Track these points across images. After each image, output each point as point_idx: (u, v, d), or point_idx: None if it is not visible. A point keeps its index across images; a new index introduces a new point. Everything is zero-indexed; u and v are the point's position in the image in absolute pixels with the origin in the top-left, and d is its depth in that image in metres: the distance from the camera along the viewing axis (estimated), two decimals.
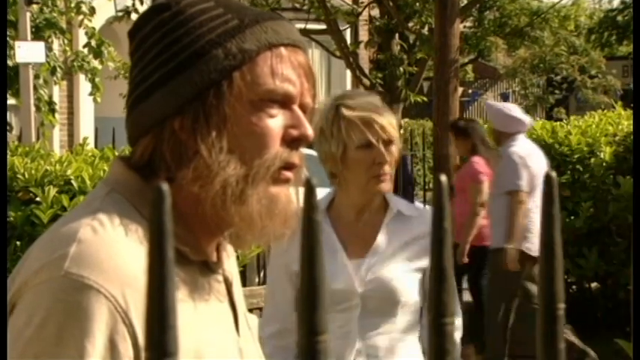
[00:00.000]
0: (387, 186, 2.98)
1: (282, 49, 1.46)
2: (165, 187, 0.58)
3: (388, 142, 2.94)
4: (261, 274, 6.88)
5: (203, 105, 1.42)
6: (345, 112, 2.93)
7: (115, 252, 1.35)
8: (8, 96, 11.26)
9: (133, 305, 1.32)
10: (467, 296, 8.58)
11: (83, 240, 1.35)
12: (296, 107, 1.48)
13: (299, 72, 1.48)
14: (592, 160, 8.30)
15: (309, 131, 1.48)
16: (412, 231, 3.01)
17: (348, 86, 17.81)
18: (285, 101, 1.46)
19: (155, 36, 1.46)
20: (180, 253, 1.40)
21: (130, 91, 1.49)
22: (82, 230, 1.36)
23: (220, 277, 1.51)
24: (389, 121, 2.94)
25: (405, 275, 2.96)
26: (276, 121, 1.45)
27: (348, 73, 15.32)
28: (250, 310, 3.21)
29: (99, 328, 1.30)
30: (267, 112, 1.45)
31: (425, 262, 2.99)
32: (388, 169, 2.96)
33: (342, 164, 2.96)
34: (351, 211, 3.05)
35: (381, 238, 3.00)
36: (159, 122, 1.43)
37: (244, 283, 6.27)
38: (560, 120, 10.38)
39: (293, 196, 1.47)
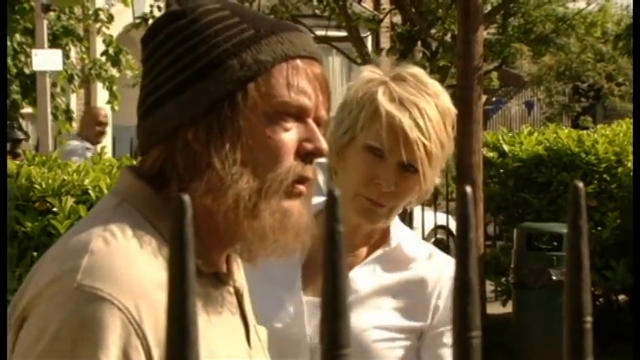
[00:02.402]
0: (377, 218, 2.07)
1: (298, 61, 1.45)
2: (186, 197, 0.58)
3: (408, 167, 2.04)
4: None
5: (217, 116, 1.41)
6: (381, 94, 2.04)
7: (128, 264, 1.34)
8: (25, 104, 11.20)
9: (146, 318, 1.31)
10: (494, 308, 8.40)
11: (95, 251, 1.34)
12: (310, 120, 1.46)
13: (314, 84, 1.46)
14: (619, 169, 8.17)
15: (324, 145, 1.46)
16: (408, 274, 2.11)
17: None
18: (299, 114, 1.45)
19: (169, 44, 1.44)
20: None
21: (141, 98, 1.47)
22: (93, 241, 1.35)
23: (231, 289, 1.50)
24: (425, 144, 2.02)
25: (386, 333, 2.06)
26: (290, 135, 1.44)
27: None
28: None
29: (112, 341, 1.29)
30: (282, 125, 1.43)
31: (423, 322, 2.08)
32: (388, 201, 2.05)
33: (340, 157, 2.09)
34: None
35: (360, 274, 2.09)
36: (171, 132, 1.42)
37: None
38: (587, 128, 10.23)
39: (305, 210, 1.46)
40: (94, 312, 1.30)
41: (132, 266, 1.34)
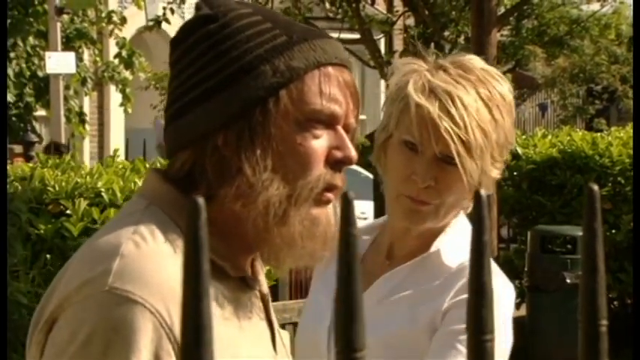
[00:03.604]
0: (420, 218, 1.92)
1: (330, 68, 1.45)
2: (201, 200, 0.59)
3: (447, 160, 1.88)
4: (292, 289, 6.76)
5: (249, 122, 1.40)
6: (411, 85, 1.91)
7: (159, 267, 1.34)
8: (38, 107, 11.24)
9: (177, 321, 1.29)
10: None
11: (126, 254, 1.34)
12: (340, 128, 1.46)
13: (345, 92, 1.46)
14: (634, 171, 8.10)
15: (353, 153, 1.46)
16: (435, 283, 1.92)
17: (382, 97, 17.60)
18: (330, 121, 1.45)
19: (200, 47, 1.43)
20: (220, 268, 1.40)
21: (169, 102, 1.47)
22: (124, 245, 1.35)
23: (258, 294, 1.51)
24: (459, 135, 1.85)
25: (401, 331, 1.90)
26: (320, 142, 1.44)
27: (383, 82, 15.18)
28: (283, 326, 2.88)
29: (144, 344, 1.30)
30: (312, 132, 1.44)
31: (434, 327, 1.89)
32: (430, 198, 1.89)
33: (381, 157, 1.98)
34: (385, 244, 2.01)
35: (386, 279, 1.95)
36: (201, 137, 1.41)
37: (277, 298, 6.12)
38: (601, 131, 10.18)
39: (333, 218, 1.46)
40: (126, 315, 1.30)
41: (162, 269, 1.34)
